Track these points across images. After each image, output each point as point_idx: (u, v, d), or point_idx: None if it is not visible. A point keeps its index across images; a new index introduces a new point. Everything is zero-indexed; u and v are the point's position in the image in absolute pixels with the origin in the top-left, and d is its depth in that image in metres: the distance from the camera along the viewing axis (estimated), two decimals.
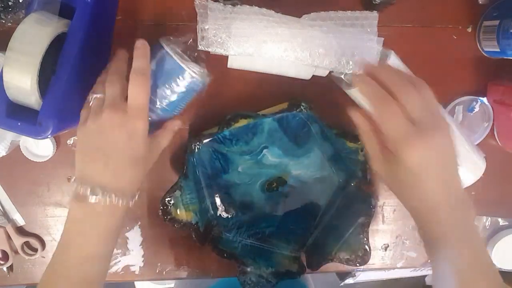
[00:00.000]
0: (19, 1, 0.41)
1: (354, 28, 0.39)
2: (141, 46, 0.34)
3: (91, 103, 0.35)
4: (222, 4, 0.39)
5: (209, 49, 0.38)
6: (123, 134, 0.33)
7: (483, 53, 0.47)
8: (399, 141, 0.31)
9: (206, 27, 0.38)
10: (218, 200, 0.49)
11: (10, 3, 0.41)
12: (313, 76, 0.44)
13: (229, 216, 0.49)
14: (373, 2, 0.42)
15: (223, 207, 0.49)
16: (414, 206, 0.35)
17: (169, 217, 0.43)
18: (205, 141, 0.43)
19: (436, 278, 0.34)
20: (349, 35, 0.39)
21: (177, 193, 0.43)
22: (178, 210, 0.44)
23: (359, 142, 0.44)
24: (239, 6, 0.39)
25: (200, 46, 0.38)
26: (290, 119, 0.44)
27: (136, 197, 0.36)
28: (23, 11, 0.42)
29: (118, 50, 0.38)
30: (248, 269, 0.46)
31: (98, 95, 0.34)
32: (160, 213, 0.43)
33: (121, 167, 0.33)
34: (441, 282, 0.33)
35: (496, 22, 0.43)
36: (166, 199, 0.43)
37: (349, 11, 0.40)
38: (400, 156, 0.31)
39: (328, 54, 0.39)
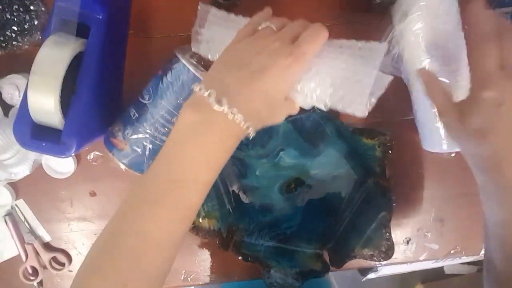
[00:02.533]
0: (34, 24, 0.42)
1: (351, 59, 0.32)
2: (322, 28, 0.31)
3: (261, 26, 0.31)
4: (225, 12, 0.39)
5: (200, 52, 0.38)
6: (279, 65, 0.28)
7: None
8: (491, 81, 0.31)
9: (202, 30, 0.37)
10: (234, 187, 0.49)
11: (26, 26, 0.42)
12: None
13: (246, 202, 0.49)
14: (373, 2, 0.42)
15: (241, 193, 0.49)
16: (489, 156, 0.33)
17: (192, 226, 0.44)
18: None
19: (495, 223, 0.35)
20: (342, 64, 0.32)
21: None
22: (200, 218, 0.44)
23: (376, 139, 0.44)
24: (241, 16, 0.39)
25: (194, 48, 0.38)
26: (304, 120, 0.45)
27: (254, 134, 0.30)
28: (38, 33, 0.43)
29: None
30: (273, 271, 0.46)
31: (271, 25, 0.31)
32: None
33: (258, 92, 0.28)
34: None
35: (509, 9, 0.42)
36: None
37: (355, 40, 0.33)
38: (479, 98, 0.31)
39: (318, 85, 0.32)
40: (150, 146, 0.40)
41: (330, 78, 0.31)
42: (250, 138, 0.31)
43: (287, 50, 0.29)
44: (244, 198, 0.49)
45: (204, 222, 0.44)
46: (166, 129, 0.40)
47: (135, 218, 0.28)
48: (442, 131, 0.41)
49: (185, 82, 0.37)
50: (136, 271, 0.27)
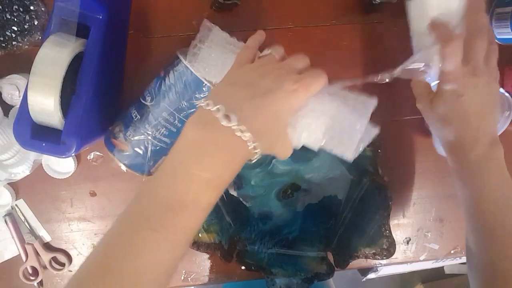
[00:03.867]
0: (34, 24, 0.42)
1: (345, 108, 0.32)
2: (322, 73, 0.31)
3: (261, 54, 0.32)
4: (227, 34, 0.39)
5: (193, 66, 0.37)
6: (285, 90, 0.28)
7: (497, 40, 0.47)
8: (454, 76, 0.35)
9: (201, 47, 0.38)
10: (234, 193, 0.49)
11: (26, 26, 0.42)
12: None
13: (245, 211, 0.49)
14: (373, 2, 0.42)
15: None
16: (453, 140, 0.38)
17: (192, 241, 0.44)
18: None
19: (464, 198, 0.39)
20: (338, 110, 0.32)
21: None
22: (200, 233, 0.44)
23: None
24: (243, 43, 0.39)
25: (188, 59, 0.38)
26: None
27: (259, 156, 0.29)
28: (38, 33, 0.43)
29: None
30: (277, 279, 0.46)
31: (273, 54, 0.31)
32: None
33: (266, 112, 0.28)
34: (468, 202, 0.38)
35: (509, 9, 0.42)
36: None
37: (348, 91, 0.34)
38: (443, 90, 0.36)
39: (314, 124, 0.32)
40: (151, 147, 0.40)
41: (324, 118, 0.31)
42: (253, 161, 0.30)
43: (293, 77, 0.29)
44: (246, 202, 0.49)
45: (204, 237, 0.45)
46: (168, 130, 0.40)
47: (131, 243, 0.26)
48: None
49: (187, 84, 0.37)
50: None
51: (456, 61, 0.35)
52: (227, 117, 0.26)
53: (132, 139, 0.39)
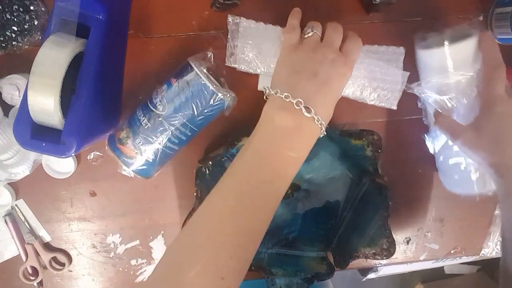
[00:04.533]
0: (34, 24, 0.42)
1: (381, 62, 0.41)
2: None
3: (307, 35, 0.37)
4: (253, 21, 0.40)
5: (236, 66, 0.39)
6: (339, 74, 0.35)
7: (497, 41, 0.47)
8: (496, 98, 0.38)
9: (236, 44, 0.39)
10: None
11: (26, 26, 0.42)
12: None
13: None
14: (373, 2, 0.42)
15: None
16: (502, 161, 0.38)
17: None
18: (213, 163, 0.44)
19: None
20: (375, 67, 0.41)
21: None
22: None
23: (364, 139, 0.44)
24: (271, 25, 0.41)
25: (227, 62, 0.39)
26: None
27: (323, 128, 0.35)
28: (38, 33, 0.43)
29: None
30: (277, 279, 0.46)
31: (318, 33, 0.37)
32: None
33: (330, 99, 0.35)
34: None
35: (509, 9, 0.42)
36: None
37: (377, 45, 0.42)
38: (492, 112, 0.38)
39: (353, 84, 0.42)
40: (161, 154, 0.40)
41: (366, 79, 0.40)
42: None
43: (342, 59, 0.35)
44: None
45: None
46: (178, 139, 0.40)
47: (232, 213, 0.32)
48: (472, 175, 0.43)
49: (201, 94, 0.38)
50: (232, 261, 0.31)
51: (503, 86, 0.38)
52: (307, 109, 0.33)
53: (141, 147, 0.39)
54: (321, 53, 0.35)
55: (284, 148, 0.33)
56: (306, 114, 0.33)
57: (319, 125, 0.34)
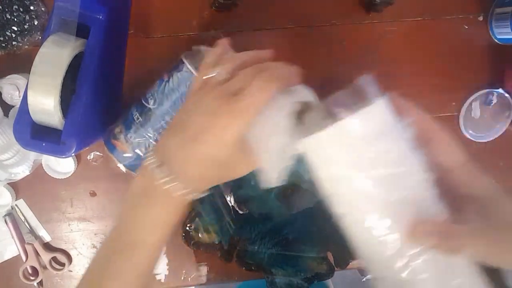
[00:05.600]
0: (34, 24, 0.42)
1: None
2: (294, 68, 0.30)
3: (210, 75, 0.29)
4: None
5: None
6: (216, 126, 0.27)
7: (496, 41, 0.47)
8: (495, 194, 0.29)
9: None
10: (231, 199, 0.49)
11: (26, 26, 0.42)
12: None
13: (243, 212, 0.49)
14: (373, 2, 0.42)
15: (236, 204, 0.49)
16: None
17: (192, 242, 0.44)
18: None
19: None
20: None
21: (195, 218, 0.44)
22: (200, 234, 0.45)
23: None
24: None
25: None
26: None
27: (200, 195, 0.30)
28: (38, 33, 0.43)
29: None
30: (277, 279, 0.46)
31: (221, 75, 0.29)
32: (183, 240, 0.44)
33: (194, 156, 0.28)
34: None
35: (509, 9, 0.42)
36: (187, 226, 0.44)
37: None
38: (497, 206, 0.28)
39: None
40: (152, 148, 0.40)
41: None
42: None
43: (225, 108, 0.27)
44: (241, 210, 0.49)
45: (204, 237, 0.45)
46: None
47: (99, 274, 0.30)
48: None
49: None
50: None
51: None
52: (159, 168, 0.28)
53: (133, 140, 0.39)
54: (206, 100, 0.28)
55: (139, 214, 0.29)
56: (156, 175, 0.28)
57: (183, 189, 0.28)
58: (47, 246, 0.50)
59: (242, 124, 0.27)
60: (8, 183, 0.47)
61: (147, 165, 0.28)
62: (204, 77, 0.30)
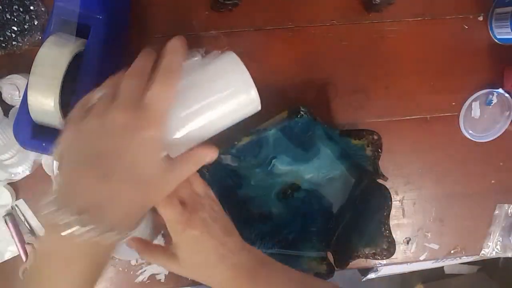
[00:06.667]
0: (34, 24, 0.42)
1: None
2: (175, 40, 0.26)
3: (92, 101, 0.26)
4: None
5: None
6: (132, 142, 0.24)
7: (496, 40, 0.47)
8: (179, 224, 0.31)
9: None
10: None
11: (26, 26, 0.42)
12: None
13: (241, 211, 0.49)
14: (373, 2, 0.42)
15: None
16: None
17: None
18: (213, 162, 0.44)
19: None
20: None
21: None
22: None
23: (364, 139, 0.44)
24: None
25: None
26: (292, 126, 0.44)
27: (133, 233, 0.26)
28: (38, 33, 0.43)
29: (144, 48, 0.29)
30: None
31: (107, 92, 0.26)
32: None
33: (121, 186, 0.24)
34: None
35: (509, 9, 0.42)
36: None
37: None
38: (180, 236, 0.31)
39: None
40: None
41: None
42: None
43: (138, 123, 0.23)
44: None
45: None
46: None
47: None
48: None
49: None
50: None
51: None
52: (68, 221, 0.22)
53: None
54: (102, 122, 0.24)
55: (52, 280, 0.24)
56: (67, 230, 0.22)
57: (104, 234, 0.23)
58: None
59: (158, 131, 0.24)
60: (8, 183, 0.47)
61: (53, 219, 0.22)
62: (92, 101, 0.25)
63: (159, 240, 0.50)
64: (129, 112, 0.24)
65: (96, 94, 0.26)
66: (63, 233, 0.22)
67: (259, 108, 0.29)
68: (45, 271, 0.25)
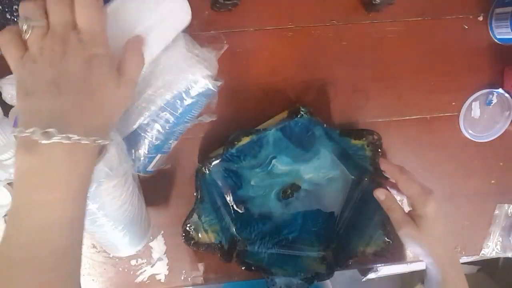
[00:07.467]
0: None
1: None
2: None
3: (26, 34, 0.26)
4: None
5: None
6: (80, 64, 0.26)
7: (496, 41, 0.47)
8: (421, 199, 0.41)
9: None
10: (230, 199, 0.49)
11: None
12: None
13: (242, 212, 0.49)
14: (373, 2, 0.42)
15: (233, 203, 0.49)
16: (439, 252, 0.42)
17: (192, 242, 0.44)
18: (213, 163, 0.44)
19: None
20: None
21: (195, 217, 0.44)
22: (199, 234, 0.45)
23: (364, 139, 0.44)
24: None
25: None
26: (292, 126, 0.44)
27: (107, 142, 0.27)
28: None
29: None
30: (277, 279, 0.46)
31: (37, 23, 0.26)
32: (183, 240, 0.44)
33: (82, 97, 0.26)
34: None
35: (509, 9, 0.42)
36: (187, 226, 0.44)
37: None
38: (425, 212, 0.41)
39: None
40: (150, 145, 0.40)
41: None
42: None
43: (73, 45, 0.26)
44: (240, 209, 0.50)
45: (204, 237, 0.45)
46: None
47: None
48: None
49: None
50: None
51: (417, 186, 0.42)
52: (46, 134, 0.24)
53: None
54: (46, 54, 0.26)
55: (39, 195, 0.25)
56: (44, 142, 0.24)
57: (78, 143, 0.25)
58: None
59: (102, 47, 0.27)
60: (8, 183, 0.47)
61: (27, 138, 0.24)
62: (24, 37, 0.26)
63: (158, 240, 0.51)
64: (68, 43, 0.26)
65: (24, 23, 0.26)
66: (43, 141, 0.24)
67: (189, 15, 0.34)
68: (27, 190, 0.25)
